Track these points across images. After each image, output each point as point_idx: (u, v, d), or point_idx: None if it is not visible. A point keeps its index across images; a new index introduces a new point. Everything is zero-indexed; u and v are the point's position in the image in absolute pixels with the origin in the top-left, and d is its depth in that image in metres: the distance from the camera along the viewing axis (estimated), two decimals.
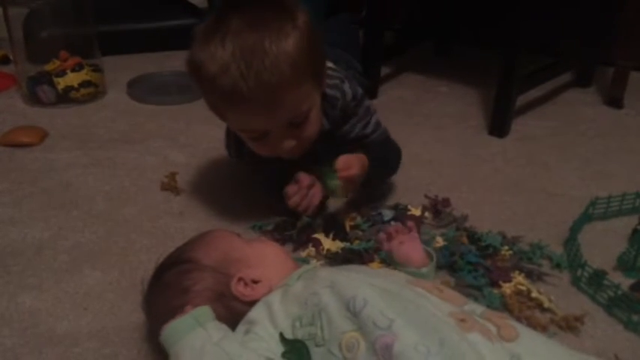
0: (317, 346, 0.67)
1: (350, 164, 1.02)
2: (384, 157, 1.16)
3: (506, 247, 1.02)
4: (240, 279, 0.77)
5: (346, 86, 1.10)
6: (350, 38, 1.75)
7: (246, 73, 0.88)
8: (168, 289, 0.78)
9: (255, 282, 0.78)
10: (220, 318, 0.73)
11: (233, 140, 1.15)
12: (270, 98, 0.91)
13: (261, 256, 0.82)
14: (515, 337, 0.66)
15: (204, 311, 0.72)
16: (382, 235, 0.91)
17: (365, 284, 0.70)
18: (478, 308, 0.71)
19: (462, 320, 0.65)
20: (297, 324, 0.70)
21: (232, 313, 0.75)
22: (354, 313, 0.67)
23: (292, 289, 0.74)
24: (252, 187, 1.24)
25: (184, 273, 0.78)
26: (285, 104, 0.94)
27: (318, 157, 1.06)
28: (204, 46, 0.92)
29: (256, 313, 0.73)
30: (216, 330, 0.70)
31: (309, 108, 0.99)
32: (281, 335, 0.69)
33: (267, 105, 0.92)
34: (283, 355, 0.68)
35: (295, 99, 0.94)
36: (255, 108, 0.93)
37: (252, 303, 0.75)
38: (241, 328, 0.73)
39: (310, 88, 0.97)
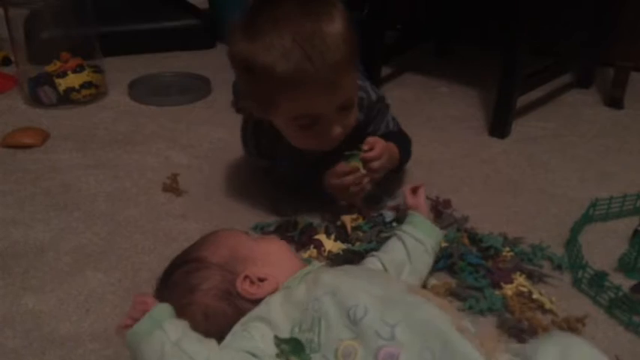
0: (312, 352, 0.68)
1: (374, 145, 1.06)
2: (405, 141, 1.23)
3: (507, 249, 1.02)
4: (246, 277, 0.77)
5: (369, 86, 1.16)
6: None
7: (312, 54, 0.93)
8: (176, 287, 0.79)
9: (261, 280, 0.78)
10: (227, 316, 0.74)
11: (251, 137, 1.17)
12: (334, 77, 0.96)
13: (268, 254, 0.82)
14: None
15: (162, 309, 0.72)
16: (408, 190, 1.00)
17: (366, 292, 0.70)
18: (471, 328, 0.71)
19: (461, 330, 0.65)
20: (297, 329, 0.70)
21: (239, 311, 0.76)
22: (354, 321, 0.67)
23: (294, 292, 0.75)
24: (252, 187, 1.24)
25: (192, 272, 0.78)
26: (344, 84, 0.99)
27: (340, 156, 1.09)
28: (255, 39, 0.96)
29: (255, 315, 0.74)
30: (174, 329, 0.70)
31: (356, 93, 1.05)
32: (275, 337, 0.70)
33: (331, 84, 0.97)
34: (277, 345, 0.69)
35: (350, 80, 1.01)
36: (319, 89, 0.96)
37: (258, 301, 0.76)
38: (237, 327, 0.73)
39: (356, 72, 1.03)
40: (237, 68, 1.02)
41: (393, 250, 0.91)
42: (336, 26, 0.96)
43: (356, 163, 1.05)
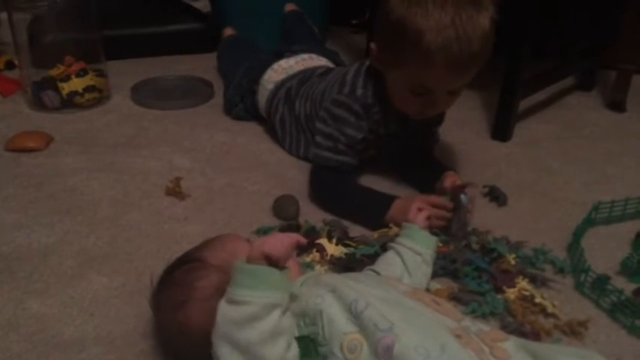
0: (320, 345, 0.69)
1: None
2: None
3: (513, 256, 1.02)
4: None
5: None
6: (315, 36, 1.83)
7: (462, 39, 0.99)
8: (174, 285, 0.79)
9: None
10: None
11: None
12: (467, 66, 1.05)
13: None
14: (507, 359, 0.66)
15: (288, 279, 0.70)
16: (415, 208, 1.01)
17: (367, 292, 0.71)
18: (473, 326, 0.72)
19: (458, 336, 0.66)
20: (302, 323, 0.71)
21: None
22: (355, 315, 0.68)
23: (295, 293, 0.75)
24: (255, 191, 1.25)
25: (191, 271, 0.79)
26: (468, 75, 1.08)
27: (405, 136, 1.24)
28: (418, 3, 1.01)
29: None
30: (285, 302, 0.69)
31: (468, 83, 1.12)
32: None
33: (460, 71, 1.05)
34: None
35: (474, 72, 1.08)
36: (449, 71, 1.03)
37: None
38: None
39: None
40: (388, 22, 1.05)
41: (391, 264, 0.91)
42: (487, 21, 1.02)
43: (449, 201, 1.07)
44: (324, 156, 1.20)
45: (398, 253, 0.92)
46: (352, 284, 0.73)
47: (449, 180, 1.13)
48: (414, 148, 1.28)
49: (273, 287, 0.67)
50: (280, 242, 0.70)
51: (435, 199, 1.08)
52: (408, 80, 1.09)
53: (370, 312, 0.67)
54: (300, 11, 1.94)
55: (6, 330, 0.88)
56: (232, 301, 0.66)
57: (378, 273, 0.89)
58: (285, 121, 1.39)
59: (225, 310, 0.67)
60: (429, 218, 1.00)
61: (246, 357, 0.65)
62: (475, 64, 1.05)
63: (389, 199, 1.11)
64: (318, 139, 1.21)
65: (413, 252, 0.92)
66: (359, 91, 1.17)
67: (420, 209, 1.01)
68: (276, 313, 0.66)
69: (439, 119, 1.29)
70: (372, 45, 1.12)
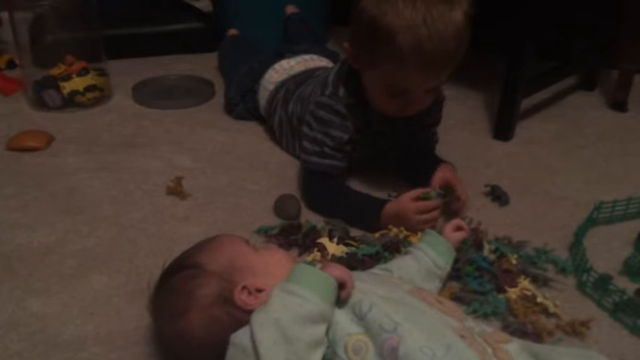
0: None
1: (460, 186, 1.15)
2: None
3: (515, 255, 1.01)
4: (244, 287, 0.75)
5: None
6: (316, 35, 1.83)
7: (434, 37, 0.98)
8: (173, 293, 0.78)
9: (259, 291, 0.76)
10: (224, 325, 0.73)
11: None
12: (442, 64, 1.03)
13: (268, 264, 0.80)
14: None
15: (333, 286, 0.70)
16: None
17: (371, 292, 0.70)
18: (476, 326, 0.72)
19: (462, 336, 0.66)
20: None
21: (236, 320, 0.73)
22: (360, 316, 0.68)
23: None
24: (256, 190, 1.24)
25: (189, 278, 0.77)
26: (443, 72, 1.06)
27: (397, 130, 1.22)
28: (388, 1, 0.99)
29: None
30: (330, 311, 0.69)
31: (445, 80, 1.10)
32: None
33: (434, 69, 1.03)
34: None
35: (450, 69, 1.06)
36: (423, 70, 1.02)
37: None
38: None
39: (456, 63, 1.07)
40: (360, 21, 1.04)
41: (405, 269, 0.90)
42: (459, 17, 1.00)
43: (438, 200, 1.08)
44: (312, 161, 1.19)
45: (417, 260, 0.91)
46: (356, 284, 0.73)
47: (437, 178, 1.15)
48: (412, 148, 1.28)
49: (329, 303, 0.69)
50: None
51: (429, 204, 1.06)
52: (383, 80, 1.08)
53: (374, 313, 0.67)
54: (301, 13, 1.94)
55: (6, 329, 0.88)
56: (293, 294, 0.67)
57: (391, 272, 0.88)
58: (282, 123, 1.39)
59: (284, 297, 0.68)
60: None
61: (290, 350, 0.64)
62: (450, 62, 1.03)
63: (379, 205, 1.10)
64: (305, 143, 1.20)
65: (434, 264, 0.91)
66: (341, 91, 1.16)
67: (459, 227, 0.99)
68: (325, 327, 0.68)
69: (436, 119, 1.28)
70: (346, 44, 1.11)
